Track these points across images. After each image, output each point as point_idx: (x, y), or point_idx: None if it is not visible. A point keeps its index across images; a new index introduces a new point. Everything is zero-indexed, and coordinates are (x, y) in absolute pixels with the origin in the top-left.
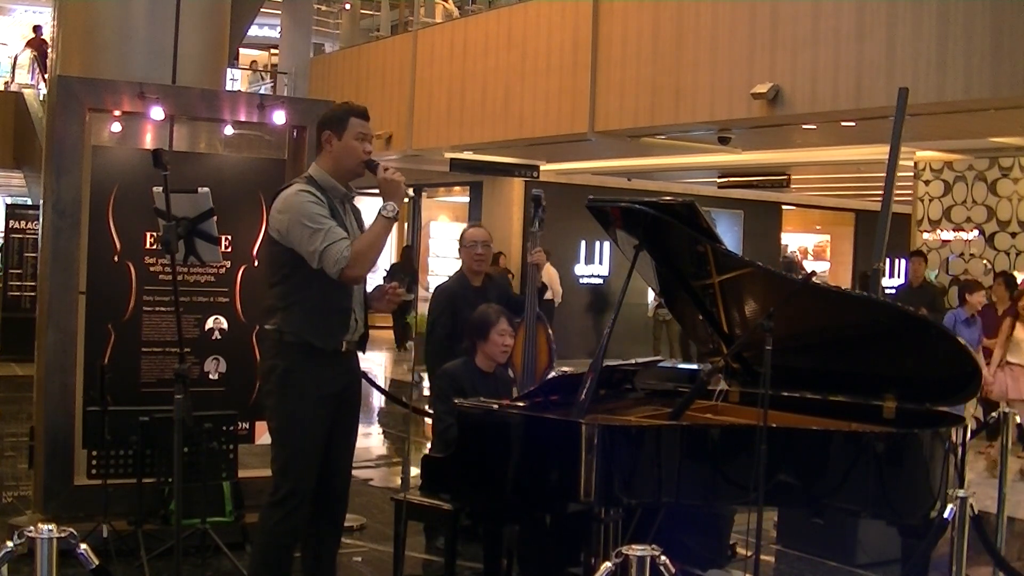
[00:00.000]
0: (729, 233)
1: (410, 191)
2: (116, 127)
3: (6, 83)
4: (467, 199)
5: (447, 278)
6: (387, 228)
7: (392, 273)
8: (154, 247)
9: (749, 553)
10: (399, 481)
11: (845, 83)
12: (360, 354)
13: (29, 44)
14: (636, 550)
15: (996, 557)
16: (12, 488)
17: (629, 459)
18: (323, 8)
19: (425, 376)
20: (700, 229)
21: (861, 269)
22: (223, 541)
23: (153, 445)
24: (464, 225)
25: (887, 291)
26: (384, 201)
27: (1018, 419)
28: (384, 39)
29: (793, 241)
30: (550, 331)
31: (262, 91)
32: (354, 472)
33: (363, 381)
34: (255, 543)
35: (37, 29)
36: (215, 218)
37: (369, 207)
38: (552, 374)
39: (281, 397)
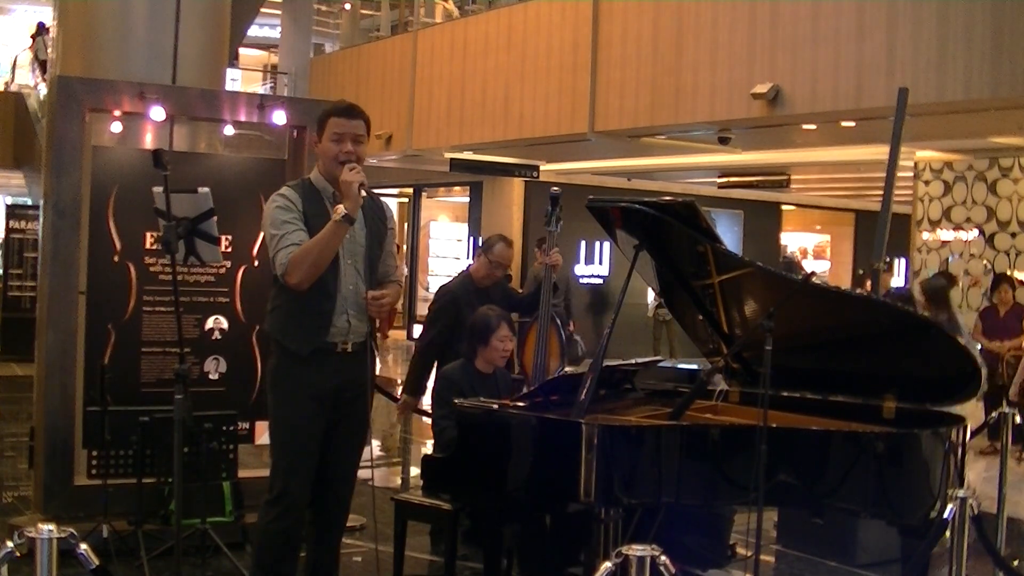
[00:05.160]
0: (729, 233)
1: (363, 193)
2: (116, 127)
3: (6, 83)
4: (467, 199)
5: (450, 278)
6: (335, 233)
7: None
8: (154, 247)
9: (749, 553)
10: (399, 481)
11: (845, 83)
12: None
13: (33, 38)
14: (636, 550)
15: (996, 557)
16: (12, 488)
17: (629, 459)
18: (323, 8)
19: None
20: (700, 229)
21: (860, 269)
22: (223, 541)
23: (153, 445)
24: (464, 225)
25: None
26: (342, 201)
27: (1018, 419)
28: (384, 39)
29: (793, 241)
30: (563, 333)
31: (261, 91)
32: None
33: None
34: (254, 542)
35: (41, 26)
36: (215, 218)
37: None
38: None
39: (272, 396)
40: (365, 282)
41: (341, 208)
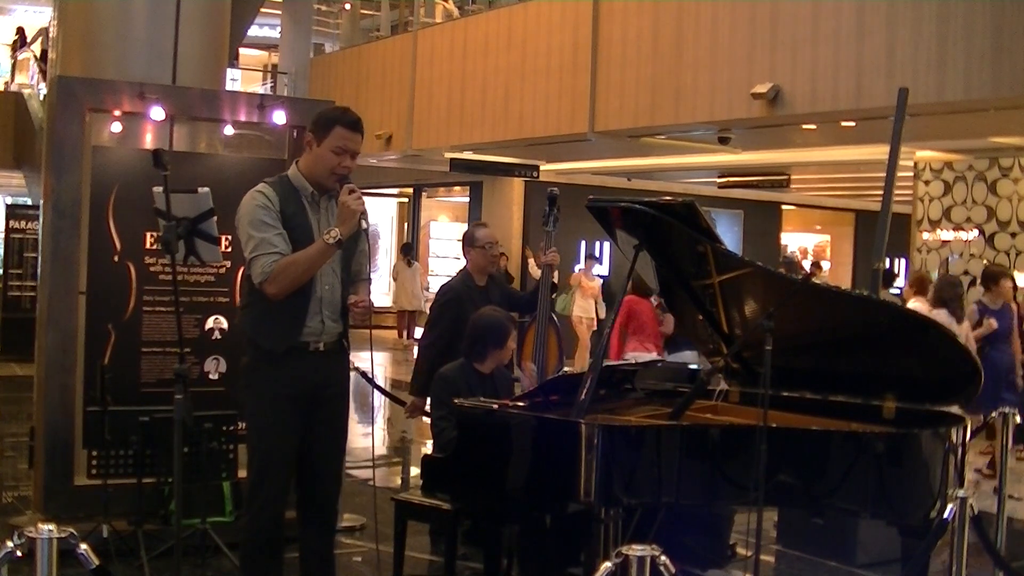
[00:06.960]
0: (729, 233)
1: (364, 224)
2: (116, 127)
3: (6, 83)
4: (467, 199)
5: (451, 277)
6: (322, 254)
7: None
8: (154, 247)
9: (749, 553)
10: (399, 481)
11: (845, 83)
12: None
13: (13, 46)
14: (636, 550)
15: (996, 557)
16: (12, 488)
17: (629, 459)
18: (323, 8)
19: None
20: (700, 229)
21: (864, 269)
22: (223, 541)
23: (153, 445)
24: (464, 225)
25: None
26: (336, 224)
27: (1017, 419)
28: (384, 39)
29: (793, 241)
30: (559, 333)
31: (261, 91)
32: (354, 472)
33: (365, 382)
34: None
35: (20, 31)
36: (215, 218)
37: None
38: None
39: (246, 393)
40: (342, 282)
41: (336, 232)
